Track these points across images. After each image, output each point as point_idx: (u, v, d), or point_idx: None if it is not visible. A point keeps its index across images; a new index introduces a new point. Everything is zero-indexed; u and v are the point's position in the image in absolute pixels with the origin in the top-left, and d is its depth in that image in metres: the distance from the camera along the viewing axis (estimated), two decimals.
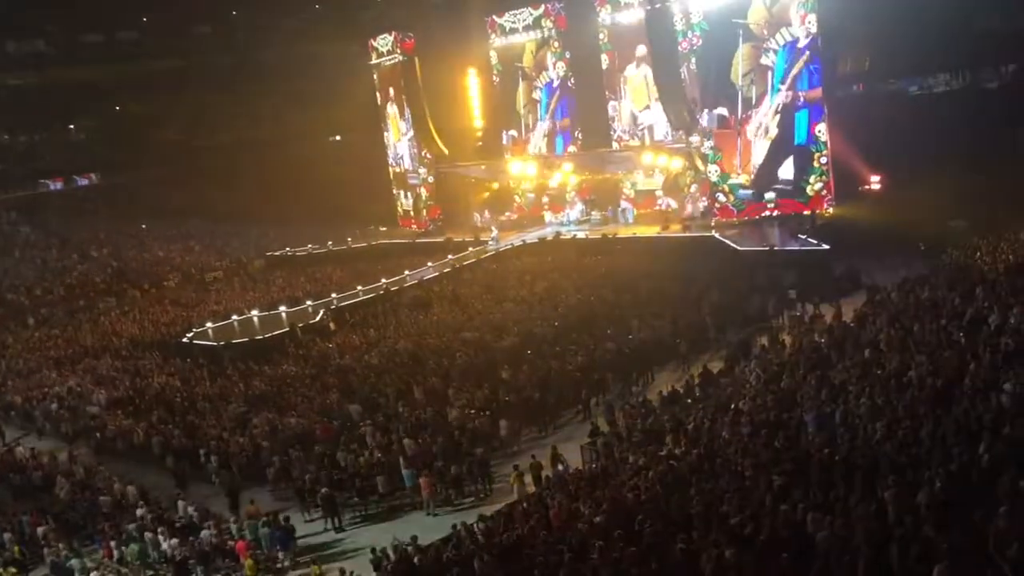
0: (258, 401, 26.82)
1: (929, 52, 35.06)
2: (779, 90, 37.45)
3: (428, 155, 53.68)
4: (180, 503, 20.84)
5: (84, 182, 65.03)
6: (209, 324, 36.21)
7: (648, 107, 45.78)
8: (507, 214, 52.57)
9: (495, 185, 52.60)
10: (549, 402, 23.35)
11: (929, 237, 30.17)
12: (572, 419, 23.26)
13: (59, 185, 64.21)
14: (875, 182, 37.44)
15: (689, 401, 21.00)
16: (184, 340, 34.56)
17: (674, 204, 44.50)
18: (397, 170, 57.51)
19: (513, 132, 52.09)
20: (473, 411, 22.78)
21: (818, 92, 36.59)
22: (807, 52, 36.45)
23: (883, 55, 37.18)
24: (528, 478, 18.66)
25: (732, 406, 18.04)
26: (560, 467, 18.73)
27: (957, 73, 36.52)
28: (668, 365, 25.84)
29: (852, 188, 37.66)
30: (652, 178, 45.96)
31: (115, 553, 19.08)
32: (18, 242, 56.15)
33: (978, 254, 26.07)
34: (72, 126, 66.33)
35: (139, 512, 20.47)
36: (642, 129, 46.21)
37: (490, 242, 45.44)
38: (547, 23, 48.88)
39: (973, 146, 32.92)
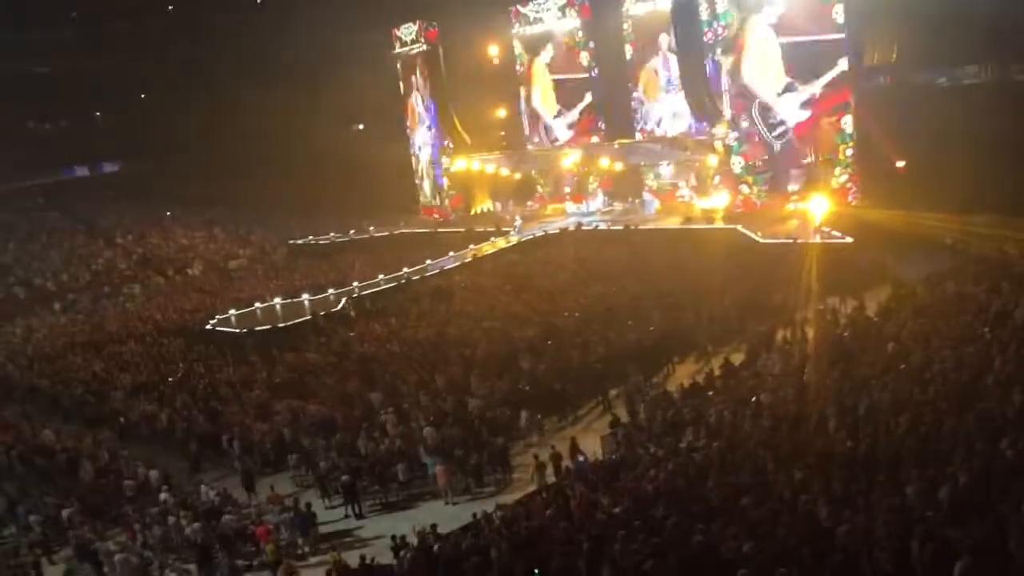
0: (280, 388, 27.01)
1: (958, 43, 34.54)
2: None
3: (451, 144, 53.72)
4: (203, 488, 21.04)
5: (110, 169, 65.60)
6: (232, 311, 36.48)
7: (658, 99, 45.86)
8: (529, 204, 52.62)
9: (517, 175, 52.56)
10: (569, 392, 23.35)
11: (955, 231, 29.85)
12: (592, 409, 23.27)
13: (85, 172, 64.78)
14: (900, 167, 37.02)
15: (710, 393, 20.95)
16: (207, 327, 34.83)
17: (695, 196, 44.38)
18: (419, 159, 57.62)
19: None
20: (494, 400, 22.84)
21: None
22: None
23: (911, 46, 36.71)
24: (548, 468, 18.68)
25: (753, 399, 17.98)
26: (580, 457, 18.73)
27: (987, 65, 35.95)
28: (689, 357, 25.81)
29: (877, 180, 37.32)
30: (675, 169, 45.87)
31: (139, 536, 19.29)
32: (45, 228, 56.75)
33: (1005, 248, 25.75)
34: (98, 113, 66.84)
35: (162, 496, 20.69)
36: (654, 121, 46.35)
37: (512, 232, 45.46)
38: (571, 13, 48.77)
39: (1003, 139, 32.46)
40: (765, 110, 38.94)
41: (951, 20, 33.05)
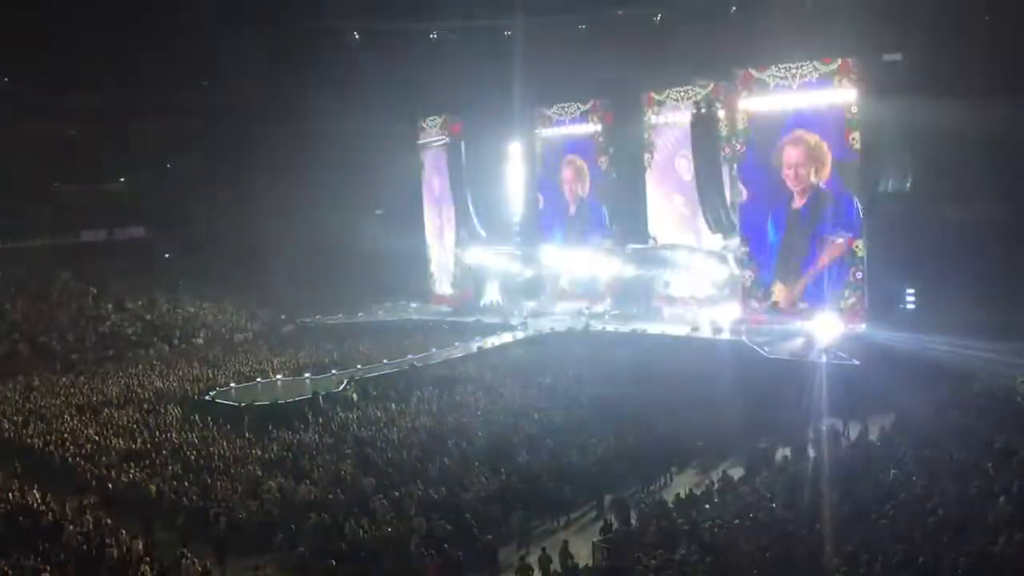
0: (273, 465, 26.70)
1: (971, 176, 35.18)
2: None
3: (465, 235, 54.30)
4: (184, 562, 20.60)
5: (128, 234, 66.22)
6: (233, 384, 36.41)
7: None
8: (541, 297, 52.82)
9: (528, 271, 52.94)
10: (564, 493, 23.03)
11: (961, 361, 29.83)
12: (587, 512, 22.90)
13: (103, 235, 65.40)
14: (910, 301, 37.34)
15: (707, 506, 20.63)
16: (207, 398, 34.69)
17: (703, 306, 44.58)
18: (434, 248, 58.19)
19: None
20: (487, 495, 22.51)
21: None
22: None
23: (925, 176, 37.36)
24: (535, 572, 18.28)
25: (751, 516, 17.69)
26: (570, 562, 18.35)
27: (998, 198, 36.47)
28: (688, 467, 25.52)
29: (886, 305, 37.51)
30: (685, 277, 46.15)
31: None
32: (56, 287, 57.05)
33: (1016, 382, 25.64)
34: (122, 179, 67.84)
35: (142, 568, 20.26)
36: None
37: (519, 327, 45.55)
38: (594, 118, 49.89)
39: (1012, 273, 32.74)
40: None
41: (965, 154, 33.74)
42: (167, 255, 62.83)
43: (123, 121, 60.58)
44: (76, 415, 34.45)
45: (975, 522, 13.96)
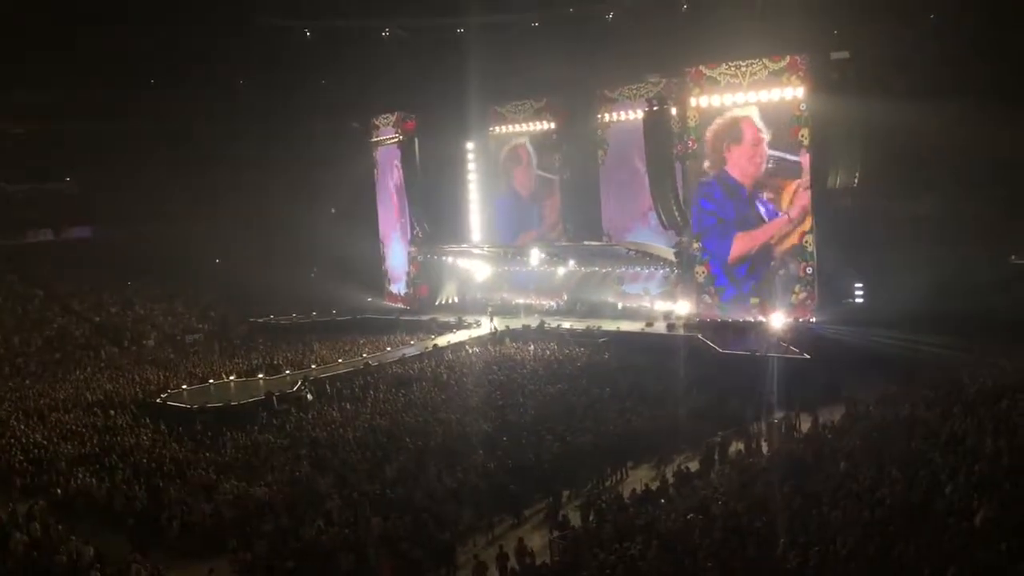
0: (227, 468, 26.38)
1: (917, 172, 35.91)
2: None
3: (419, 234, 54.10)
4: (134, 567, 20.27)
5: (76, 235, 65.04)
6: (184, 386, 35.90)
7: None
8: (495, 297, 52.79)
9: (486, 269, 52.95)
10: (521, 491, 23.05)
11: (908, 354, 30.43)
12: (542, 510, 22.94)
13: (50, 236, 64.16)
14: (858, 295, 38.01)
15: (663, 500, 20.80)
16: (157, 401, 34.15)
17: (657, 302, 44.92)
18: (388, 247, 57.88)
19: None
20: (443, 493, 22.47)
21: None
22: None
23: (872, 172, 38.02)
24: (492, 568, 18.28)
25: (706, 509, 17.86)
26: (527, 560, 18.38)
27: (945, 195, 37.21)
28: (643, 462, 25.68)
29: (835, 299, 38.14)
30: (639, 274, 46.45)
31: None
32: (1, 290, 55.78)
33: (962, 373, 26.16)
34: (68, 179, 66.57)
35: (92, 575, 19.89)
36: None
37: (475, 325, 45.51)
38: (548, 116, 50.03)
39: (956, 267, 33.44)
40: None
41: (911, 150, 34.38)
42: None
43: (69, 119, 59.42)
44: (23, 419, 33.72)
45: (924, 511, 14.22)
